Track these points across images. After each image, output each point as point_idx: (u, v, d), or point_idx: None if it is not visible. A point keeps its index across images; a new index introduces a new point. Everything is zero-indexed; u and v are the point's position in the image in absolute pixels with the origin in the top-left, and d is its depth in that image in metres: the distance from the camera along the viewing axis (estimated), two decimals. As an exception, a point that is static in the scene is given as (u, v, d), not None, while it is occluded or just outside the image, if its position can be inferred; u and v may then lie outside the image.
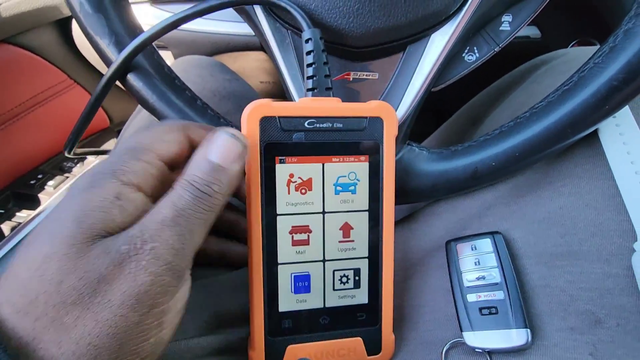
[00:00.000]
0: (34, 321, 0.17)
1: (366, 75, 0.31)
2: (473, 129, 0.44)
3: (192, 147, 0.23)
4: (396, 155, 0.31)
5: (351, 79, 0.31)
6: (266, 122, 0.25)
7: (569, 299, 0.26)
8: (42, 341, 0.16)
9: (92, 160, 0.80)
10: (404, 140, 0.32)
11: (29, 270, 0.17)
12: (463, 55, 0.31)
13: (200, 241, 0.21)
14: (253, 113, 0.25)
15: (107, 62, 0.31)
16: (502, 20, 0.30)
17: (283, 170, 0.25)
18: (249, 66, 0.72)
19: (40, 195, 0.69)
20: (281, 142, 0.25)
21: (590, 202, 0.28)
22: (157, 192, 0.21)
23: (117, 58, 0.30)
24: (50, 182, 0.71)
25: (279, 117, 0.25)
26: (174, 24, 0.29)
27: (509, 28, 0.30)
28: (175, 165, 0.23)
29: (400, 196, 0.30)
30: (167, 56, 0.75)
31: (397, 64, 0.30)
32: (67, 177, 0.73)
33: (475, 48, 0.30)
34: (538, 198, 0.29)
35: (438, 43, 0.29)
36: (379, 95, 0.31)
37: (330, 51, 0.31)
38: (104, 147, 0.84)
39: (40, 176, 0.73)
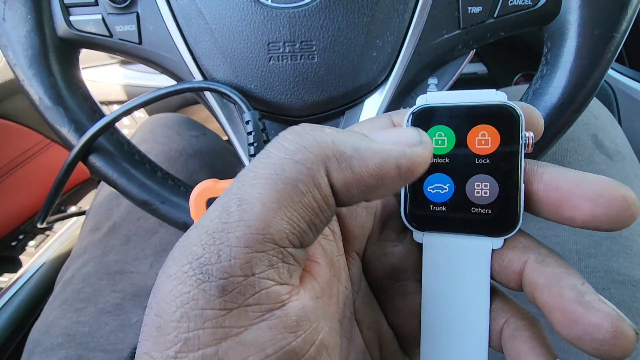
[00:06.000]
0: None
1: (311, 140, 0.34)
2: None
3: None
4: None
5: (298, 144, 0.34)
6: (212, 203, 0.27)
7: None
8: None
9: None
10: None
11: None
12: (398, 115, 0.33)
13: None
14: (199, 196, 0.27)
15: (69, 147, 0.33)
16: (429, 83, 0.32)
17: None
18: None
19: (22, 257, 0.70)
20: (229, 218, 0.27)
21: None
22: None
23: (76, 143, 0.32)
24: (31, 242, 0.72)
25: (225, 195, 0.27)
26: (131, 110, 0.32)
27: (436, 89, 0.33)
28: None
29: None
30: (141, 110, 0.78)
31: (339, 127, 0.33)
32: (48, 235, 0.74)
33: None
34: None
35: (372, 107, 0.32)
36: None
37: (276, 120, 0.33)
38: (85, 199, 0.86)
39: (21, 237, 0.74)
